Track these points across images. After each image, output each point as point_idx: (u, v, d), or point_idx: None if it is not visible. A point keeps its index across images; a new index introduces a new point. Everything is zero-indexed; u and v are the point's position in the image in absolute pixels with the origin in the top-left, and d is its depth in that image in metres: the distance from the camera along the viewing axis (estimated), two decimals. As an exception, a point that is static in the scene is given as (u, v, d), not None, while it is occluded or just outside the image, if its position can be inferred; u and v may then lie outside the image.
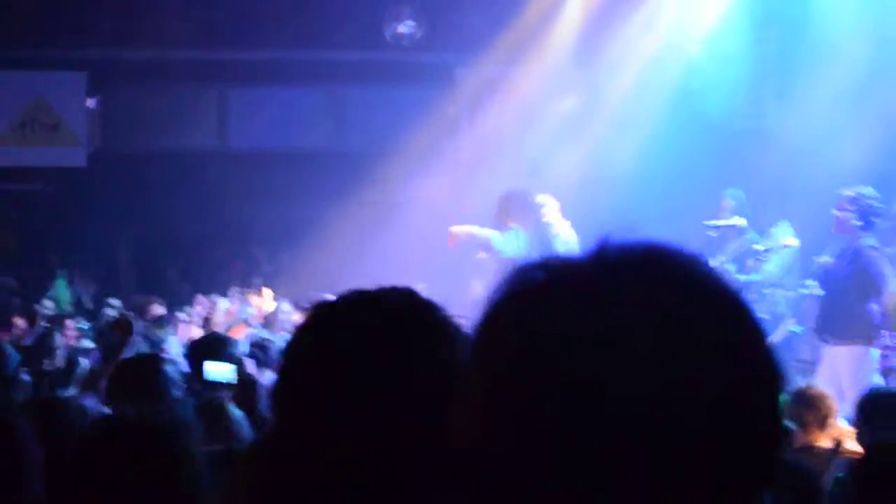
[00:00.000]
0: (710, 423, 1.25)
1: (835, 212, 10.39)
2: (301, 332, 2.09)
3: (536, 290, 1.32)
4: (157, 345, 10.56)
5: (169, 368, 6.36)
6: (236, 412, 6.10)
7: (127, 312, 11.54)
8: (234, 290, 14.23)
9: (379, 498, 1.88)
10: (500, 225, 11.97)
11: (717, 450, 1.26)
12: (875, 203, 10.33)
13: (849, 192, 10.39)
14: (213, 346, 7.39)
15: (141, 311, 12.09)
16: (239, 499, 2.12)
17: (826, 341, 10.37)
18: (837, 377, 9.91)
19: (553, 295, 1.31)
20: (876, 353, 9.95)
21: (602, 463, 1.24)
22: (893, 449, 4.58)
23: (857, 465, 4.54)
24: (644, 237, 1.34)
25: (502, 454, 1.27)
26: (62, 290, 14.61)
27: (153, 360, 6.40)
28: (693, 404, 1.25)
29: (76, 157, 17.38)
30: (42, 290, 15.04)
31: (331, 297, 2.13)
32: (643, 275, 1.31)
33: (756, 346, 1.32)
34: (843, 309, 10.08)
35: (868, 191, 10.39)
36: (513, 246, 11.69)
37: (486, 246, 11.95)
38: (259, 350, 8.65)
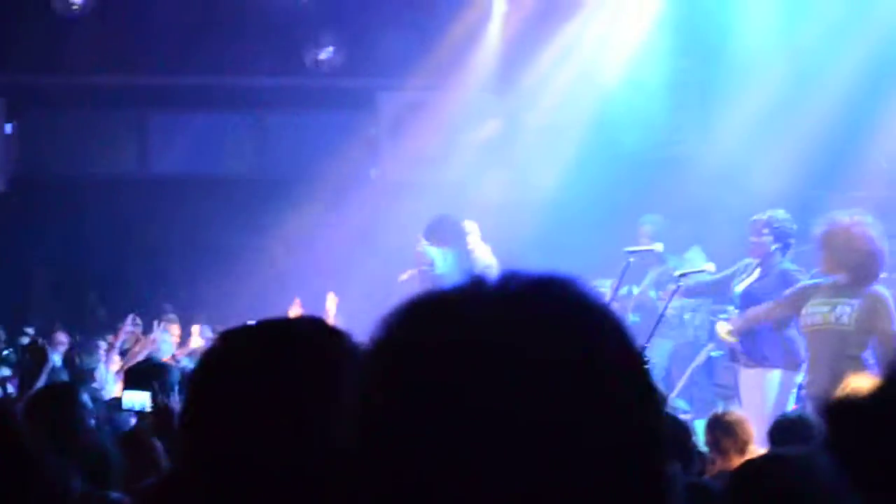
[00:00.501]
0: (571, 437, 1.28)
1: (752, 238, 10.49)
2: (206, 359, 2.09)
3: (417, 310, 1.37)
4: (86, 372, 10.47)
5: (85, 398, 6.32)
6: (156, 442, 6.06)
7: (41, 339, 11.42)
8: (157, 318, 14.10)
9: None
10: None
11: (582, 461, 1.29)
12: (788, 225, 10.45)
13: (762, 217, 10.50)
14: (147, 373, 7.35)
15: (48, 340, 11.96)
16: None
17: (748, 366, 10.41)
18: (762, 402, 9.97)
19: (430, 314, 1.36)
20: (800, 377, 9.98)
21: (462, 470, 1.26)
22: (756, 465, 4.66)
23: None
24: (538, 269, 1.40)
25: (368, 461, 1.30)
26: None
27: (69, 390, 6.36)
28: (555, 421, 1.28)
29: (-6, 183, 17.21)
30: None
31: (248, 324, 2.15)
32: (512, 298, 1.36)
33: (624, 368, 1.35)
34: (769, 332, 10.15)
35: (780, 213, 10.51)
36: (445, 265, 11.79)
37: (430, 262, 12.04)
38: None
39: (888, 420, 1.67)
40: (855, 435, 1.64)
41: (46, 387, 7.48)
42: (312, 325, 2.13)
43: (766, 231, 10.40)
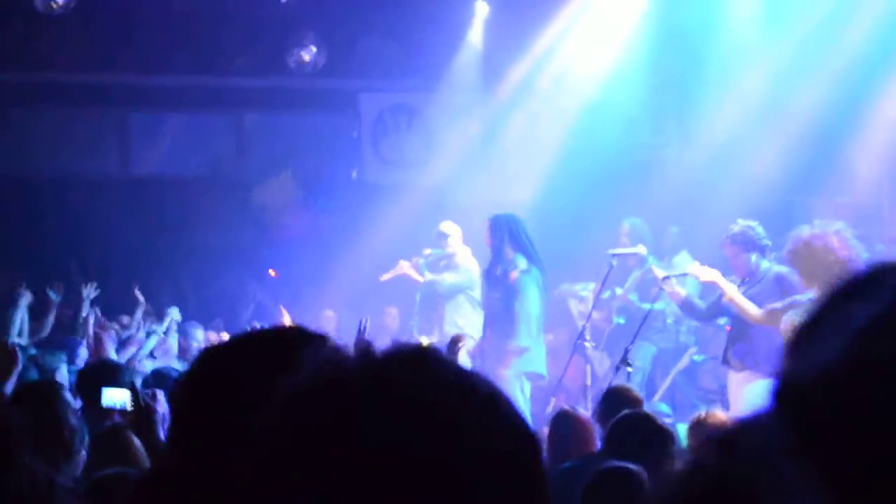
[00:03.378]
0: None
1: (730, 260, 10.47)
2: (195, 364, 2.13)
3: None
4: (48, 372, 10.42)
5: (68, 395, 6.27)
6: (135, 439, 6.02)
7: (10, 341, 11.35)
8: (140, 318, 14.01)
9: None
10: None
11: None
12: (749, 231, 10.38)
13: (724, 238, 10.49)
14: (106, 372, 7.35)
15: None
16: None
17: (738, 369, 10.36)
18: (747, 407, 9.93)
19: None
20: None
21: None
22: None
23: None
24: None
25: None
26: None
27: (52, 387, 6.31)
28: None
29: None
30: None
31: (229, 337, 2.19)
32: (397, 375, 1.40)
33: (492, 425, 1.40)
34: (764, 338, 10.07)
35: (735, 227, 10.44)
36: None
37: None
38: (159, 379, 8.54)
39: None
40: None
41: (29, 384, 7.43)
42: (295, 332, 2.15)
43: (733, 248, 10.37)
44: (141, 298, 13.80)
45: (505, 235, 12.04)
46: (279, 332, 2.19)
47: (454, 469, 1.35)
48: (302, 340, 2.09)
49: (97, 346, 11.62)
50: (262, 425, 1.43)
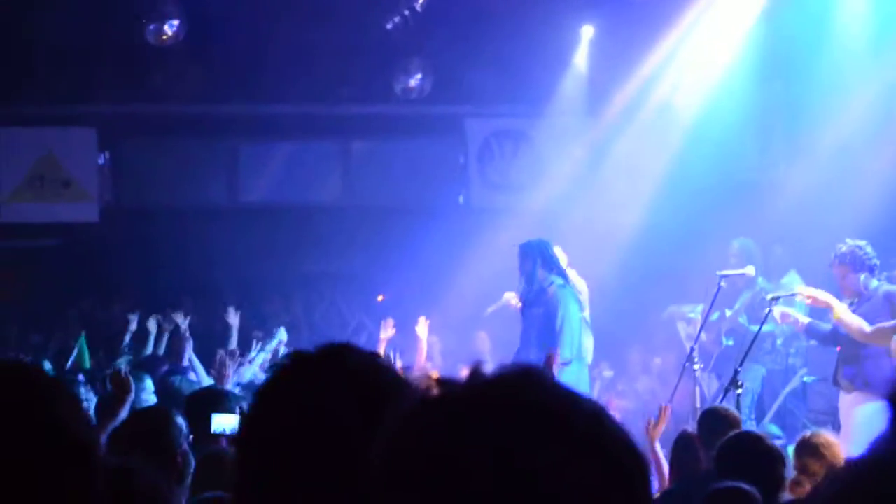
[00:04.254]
0: None
1: (839, 282, 10.35)
2: (270, 381, 2.13)
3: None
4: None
5: (180, 420, 6.37)
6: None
7: (124, 370, 11.52)
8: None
9: None
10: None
11: None
12: (858, 251, 10.25)
13: (832, 259, 10.36)
14: (214, 398, 7.47)
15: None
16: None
17: (848, 390, 10.24)
18: (854, 429, 9.80)
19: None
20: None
21: None
22: None
23: None
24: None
25: None
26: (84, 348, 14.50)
27: (162, 413, 6.41)
28: None
29: (88, 213, 17.39)
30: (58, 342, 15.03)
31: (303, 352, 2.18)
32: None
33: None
34: (876, 359, 9.93)
35: (843, 246, 10.31)
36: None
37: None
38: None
39: None
40: None
41: (143, 410, 7.57)
42: (363, 358, 2.16)
43: (842, 268, 10.24)
44: (233, 322, 13.84)
45: (538, 259, 12.08)
46: (349, 353, 2.19)
47: (564, 484, 1.38)
48: (372, 363, 2.12)
49: (220, 372, 11.77)
50: (380, 447, 1.46)
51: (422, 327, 12.80)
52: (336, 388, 2.04)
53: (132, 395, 7.04)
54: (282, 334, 13.46)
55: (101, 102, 17.06)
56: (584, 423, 1.43)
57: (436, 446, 1.40)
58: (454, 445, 1.39)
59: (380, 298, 16.69)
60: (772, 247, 13.63)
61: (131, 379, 7.19)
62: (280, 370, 2.17)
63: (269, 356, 12.89)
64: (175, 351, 12.81)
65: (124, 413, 6.87)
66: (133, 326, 13.13)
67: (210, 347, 13.02)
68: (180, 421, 6.40)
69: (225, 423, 6.71)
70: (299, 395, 2.06)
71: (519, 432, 1.39)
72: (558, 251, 13.40)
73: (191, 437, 6.48)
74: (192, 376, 11.32)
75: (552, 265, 12.11)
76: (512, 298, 13.08)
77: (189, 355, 12.41)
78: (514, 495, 1.36)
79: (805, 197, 14.23)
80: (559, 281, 11.98)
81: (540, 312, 11.92)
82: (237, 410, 7.05)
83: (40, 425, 1.86)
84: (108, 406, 7.11)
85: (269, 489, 2.01)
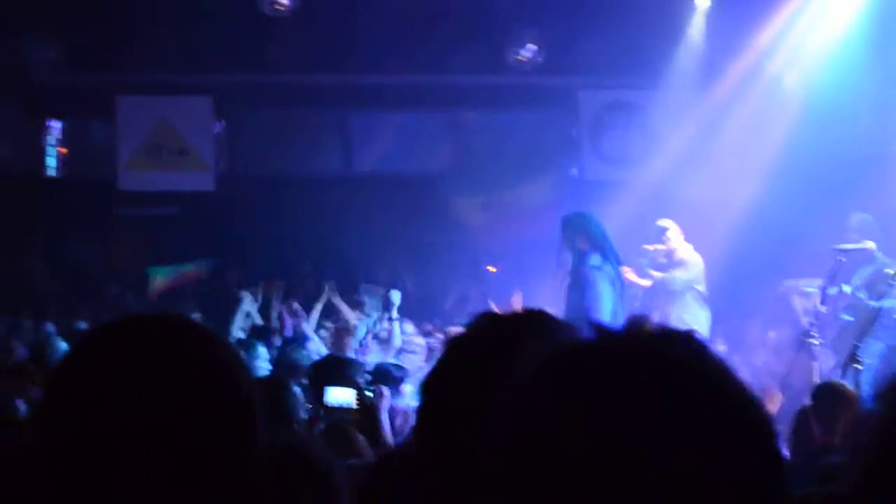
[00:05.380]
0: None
1: None
2: (444, 355, 2.14)
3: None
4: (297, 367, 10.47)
5: (296, 389, 6.41)
6: (359, 436, 6.12)
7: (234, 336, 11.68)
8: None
9: None
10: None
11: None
12: None
13: None
14: (334, 368, 7.47)
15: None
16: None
17: None
18: None
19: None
20: None
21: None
22: None
23: None
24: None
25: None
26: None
27: (281, 382, 6.45)
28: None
29: (205, 182, 17.57)
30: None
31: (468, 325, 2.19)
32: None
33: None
34: None
35: None
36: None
37: None
38: (379, 375, 8.61)
39: None
40: None
41: (260, 378, 7.60)
42: (534, 319, 2.15)
43: None
44: (326, 292, 13.79)
45: (578, 234, 11.82)
46: (517, 318, 2.19)
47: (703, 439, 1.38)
48: (543, 324, 2.11)
49: (335, 344, 11.84)
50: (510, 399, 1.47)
51: (517, 301, 12.79)
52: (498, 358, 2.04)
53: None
54: (396, 298, 13.34)
55: (218, 72, 17.22)
56: (716, 381, 1.44)
57: (603, 389, 1.40)
58: (622, 389, 1.39)
59: (492, 269, 16.69)
60: (891, 221, 13.37)
61: (240, 348, 7.22)
62: (475, 326, 2.19)
63: (384, 326, 12.89)
64: (282, 324, 12.87)
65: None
66: (246, 303, 13.18)
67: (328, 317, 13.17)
68: (297, 390, 6.44)
69: (340, 396, 6.73)
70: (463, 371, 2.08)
71: (656, 398, 1.39)
72: (669, 222, 13.32)
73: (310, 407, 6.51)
74: (310, 346, 11.35)
75: (593, 241, 11.85)
76: (629, 272, 12.99)
77: (301, 328, 12.42)
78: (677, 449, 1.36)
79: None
80: (596, 261, 11.71)
81: (573, 295, 11.74)
82: (360, 381, 7.05)
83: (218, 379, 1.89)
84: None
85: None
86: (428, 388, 2.13)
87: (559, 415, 1.39)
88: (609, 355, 1.43)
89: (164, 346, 1.89)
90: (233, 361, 1.94)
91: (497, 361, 2.01)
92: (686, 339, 1.46)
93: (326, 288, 13.74)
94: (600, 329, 1.47)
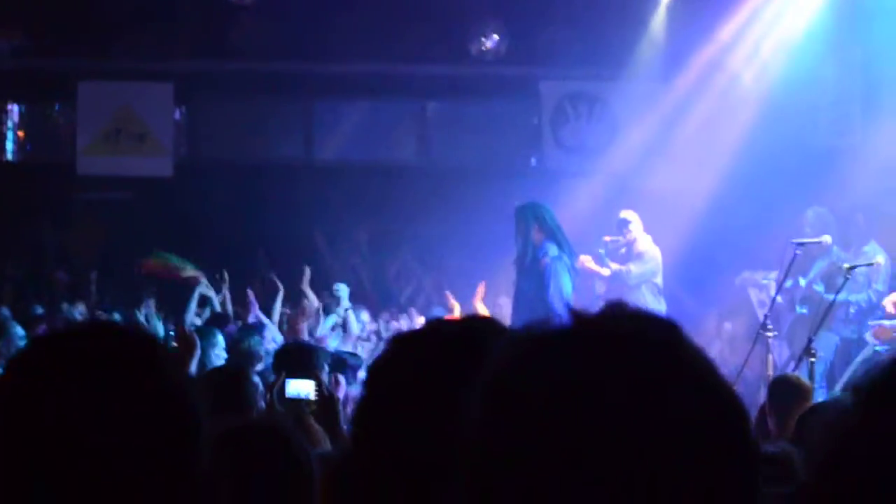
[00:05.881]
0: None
1: None
2: (380, 360, 2.16)
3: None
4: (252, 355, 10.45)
5: (255, 379, 6.42)
6: (317, 426, 6.12)
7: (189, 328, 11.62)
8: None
9: None
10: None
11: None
12: None
13: None
14: (296, 355, 7.43)
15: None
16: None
17: None
18: None
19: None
20: None
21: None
22: None
23: None
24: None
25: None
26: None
27: (241, 372, 6.46)
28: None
29: (163, 167, 17.51)
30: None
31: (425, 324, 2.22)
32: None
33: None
34: None
35: None
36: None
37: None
38: (336, 363, 8.61)
39: None
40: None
41: (217, 368, 7.62)
42: (485, 326, 2.19)
43: None
44: (279, 285, 13.72)
45: (533, 223, 11.86)
46: (472, 323, 2.22)
47: (688, 417, 1.41)
48: (494, 332, 2.13)
49: (290, 329, 11.82)
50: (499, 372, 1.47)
51: (479, 291, 12.82)
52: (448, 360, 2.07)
53: (198, 351, 7.03)
54: (343, 291, 13.30)
55: (179, 58, 17.16)
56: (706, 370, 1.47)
57: (569, 373, 1.41)
58: (591, 372, 1.41)
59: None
60: (853, 215, 13.44)
61: (196, 336, 7.18)
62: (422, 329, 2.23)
63: (338, 319, 12.88)
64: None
65: (191, 371, 6.90)
66: (201, 291, 13.15)
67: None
68: (256, 379, 6.46)
69: (300, 388, 6.72)
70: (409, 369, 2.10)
71: (653, 366, 1.42)
72: (631, 214, 13.37)
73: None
74: (266, 333, 11.33)
75: (548, 231, 11.87)
76: (588, 261, 13.03)
77: (256, 314, 12.39)
78: (643, 424, 1.38)
79: (886, 164, 14.05)
80: (553, 251, 11.73)
81: (529, 286, 11.74)
82: (323, 369, 7.02)
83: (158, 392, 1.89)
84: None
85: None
86: (366, 383, 2.15)
87: (538, 399, 1.40)
88: (588, 337, 1.45)
89: (104, 360, 1.89)
90: (179, 382, 1.94)
91: (439, 364, 2.04)
92: (663, 324, 1.48)
93: (291, 275, 13.74)
94: (576, 313, 1.48)
